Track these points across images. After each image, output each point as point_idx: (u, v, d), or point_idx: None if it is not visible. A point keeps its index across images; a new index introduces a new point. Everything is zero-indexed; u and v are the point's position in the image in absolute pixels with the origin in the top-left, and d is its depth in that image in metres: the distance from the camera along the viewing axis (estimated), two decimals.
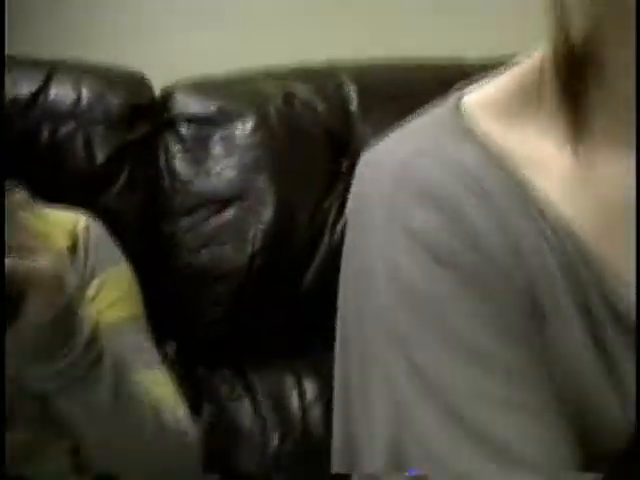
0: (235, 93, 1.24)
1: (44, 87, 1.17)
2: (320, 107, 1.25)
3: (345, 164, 1.25)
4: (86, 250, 0.99)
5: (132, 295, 1.02)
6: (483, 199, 0.60)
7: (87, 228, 1.00)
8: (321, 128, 1.24)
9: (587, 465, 0.60)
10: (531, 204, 0.60)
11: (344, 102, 1.27)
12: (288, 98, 1.24)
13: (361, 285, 0.63)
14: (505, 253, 0.59)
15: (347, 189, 1.18)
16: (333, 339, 1.17)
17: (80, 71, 1.21)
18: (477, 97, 0.64)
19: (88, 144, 1.16)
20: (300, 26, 1.43)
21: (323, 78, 1.28)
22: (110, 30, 1.36)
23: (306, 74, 1.28)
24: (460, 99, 0.64)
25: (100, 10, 1.38)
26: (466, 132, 0.62)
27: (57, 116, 1.16)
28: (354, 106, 1.27)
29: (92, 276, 0.98)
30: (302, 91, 1.25)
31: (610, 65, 0.60)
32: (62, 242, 0.96)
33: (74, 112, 1.17)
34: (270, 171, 1.21)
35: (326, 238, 1.21)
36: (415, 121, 0.65)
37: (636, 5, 0.53)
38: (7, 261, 0.76)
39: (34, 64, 1.19)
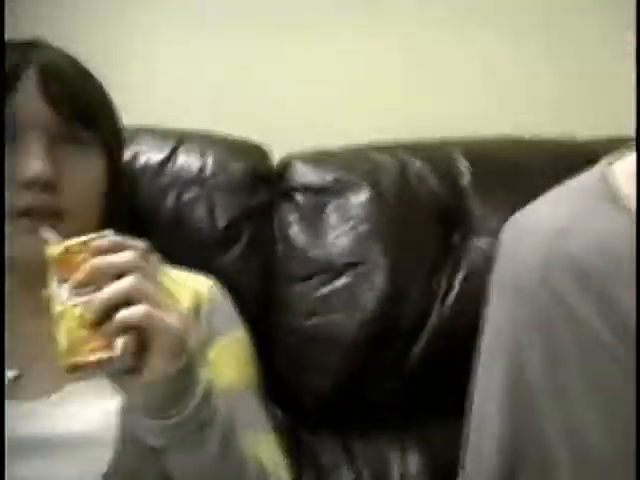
0: (351, 164, 1.28)
1: (172, 155, 1.23)
2: (432, 181, 1.28)
3: (456, 238, 1.26)
4: (209, 313, 1.01)
5: (248, 362, 1.05)
6: (630, 279, 0.59)
7: (212, 291, 1.04)
8: (434, 201, 1.27)
9: None
10: None
11: (456, 177, 1.29)
12: (402, 170, 1.27)
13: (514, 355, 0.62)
14: None
15: (457, 263, 1.23)
16: (439, 413, 1.18)
17: (206, 141, 1.26)
18: (624, 166, 0.65)
19: (211, 210, 1.21)
20: (414, 102, 1.47)
21: (436, 152, 1.31)
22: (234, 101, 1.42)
23: (419, 148, 1.31)
24: (607, 167, 0.65)
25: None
26: (616, 199, 0.62)
27: (183, 183, 1.22)
28: (465, 181, 1.29)
29: (212, 339, 1.00)
30: (415, 164, 1.28)
31: None
32: (187, 302, 0.99)
33: (199, 179, 1.22)
34: (383, 241, 1.23)
35: (436, 311, 1.22)
36: (563, 188, 0.66)
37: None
38: (144, 307, 0.78)
39: (164, 134, 1.25)
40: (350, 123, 1.42)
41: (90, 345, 0.78)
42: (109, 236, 0.82)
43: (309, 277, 1.23)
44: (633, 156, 0.65)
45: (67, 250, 0.81)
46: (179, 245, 1.18)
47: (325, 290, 1.22)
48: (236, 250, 1.22)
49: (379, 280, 1.22)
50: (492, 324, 0.65)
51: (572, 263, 0.60)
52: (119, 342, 0.77)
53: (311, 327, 1.22)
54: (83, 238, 0.82)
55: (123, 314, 0.78)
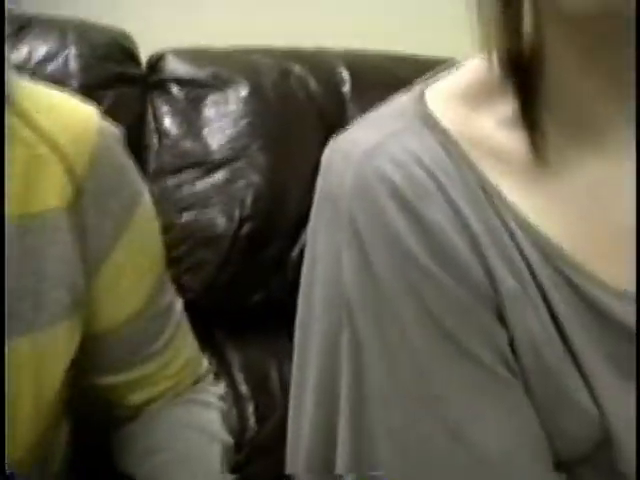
0: (229, 61, 1.22)
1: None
2: (313, 85, 1.24)
3: None
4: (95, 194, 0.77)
5: (155, 253, 0.87)
6: (441, 195, 0.60)
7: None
8: (314, 104, 1.22)
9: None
10: (489, 201, 0.60)
11: (337, 84, 1.26)
12: (282, 72, 1.22)
13: (328, 273, 0.61)
14: (464, 249, 0.59)
15: None
16: None
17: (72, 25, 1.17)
18: (439, 88, 0.65)
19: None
20: (293, 11, 1.42)
21: (317, 60, 1.27)
22: None
23: (300, 55, 1.27)
24: (423, 90, 0.64)
25: None
26: (428, 121, 0.62)
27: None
28: (346, 89, 1.26)
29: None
30: (296, 68, 1.24)
31: (557, 64, 0.61)
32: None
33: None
34: (263, 139, 1.17)
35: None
36: (380, 110, 0.66)
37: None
38: None
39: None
40: (228, 26, 1.36)
41: None
42: None
43: (182, 170, 1.15)
44: (448, 78, 0.66)
45: None
46: None
47: (200, 185, 1.15)
48: None
49: (257, 177, 1.16)
50: (311, 247, 0.63)
51: (384, 181, 0.60)
52: None
53: (185, 223, 1.14)
54: None
55: None
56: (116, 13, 1.25)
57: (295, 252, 1.15)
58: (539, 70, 0.62)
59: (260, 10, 1.39)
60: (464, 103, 0.63)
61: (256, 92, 1.19)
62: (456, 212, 0.59)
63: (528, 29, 0.61)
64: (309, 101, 1.22)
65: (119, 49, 1.18)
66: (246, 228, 1.14)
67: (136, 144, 1.16)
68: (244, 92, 1.18)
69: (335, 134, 1.20)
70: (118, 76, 1.16)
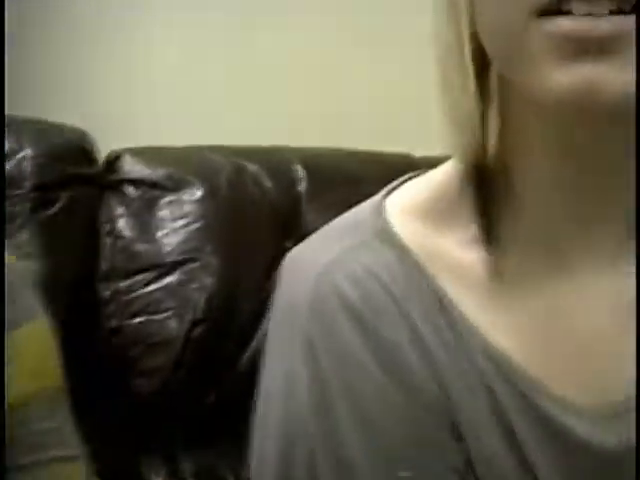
0: (184, 161, 1.23)
1: None
2: (268, 184, 1.25)
3: (289, 244, 1.23)
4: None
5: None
6: (398, 311, 0.60)
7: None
8: (269, 205, 1.23)
9: None
10: (445, 316, 0.61)
11: (292, 182, 1.26)
12: (237, 171, 1.23)
13: (282, 389, 0.62)
14: (419, 367, 0.59)
15: None
16: None
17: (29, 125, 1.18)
18: (399, 201, 0.64)
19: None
20: (249, 110, 1.44)
21: (272, 157, 1.28)
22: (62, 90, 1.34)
23: (256, 152, 1.28)
24: (383, 201, 0.64)
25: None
26: (386, 236, 0.62)
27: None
28: (301, 187, 1.27)
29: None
30: (251, 167, 1.25)
31: (523, 178, 0.61)
32: None
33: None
34: (216, 241, 1.18)
35: (268, 316, 1.18)
36: (339, 222, 0.66)
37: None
38: None
39: None
40: (181, 125, 1.37)
41: None
42: None
43: (135, 273, 1.15)
44: (410, 190, 0.66)
45: None
46: None
47: (152, 287, 1.15)
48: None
49: (210, 280, 1.16)
50: (267, 363, 0.64)
51: (340, 298, 0.60)
52: None
53: (136, 327, 1.14)
54: None
55: None
56: (76, 111, 1.26)
57: (248, 353, 1.16)
58: (504, 184, 0.62)
59: (217, 109, 1.41)
60: (424, 218, 0.63)
61: (210, 193, 1.20)
62: (412, 329, 0.59)
63: (493, 141, 0.60)
64: (264, 201, 1.23)
65: (76, 149, 1.19)
66: (198, 331, 1.14)
67: (90, 245, 1.17)
68: (198, 193, 1.19)
69: (289, 234, 1.23)
70: (73, 176, 1.17)
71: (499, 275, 0.61)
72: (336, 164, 1.31)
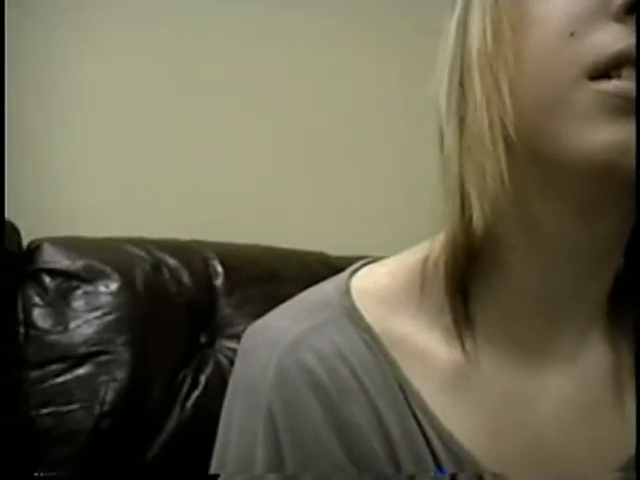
0: (103, 252, 1.24)
1: None
2: (186, 278, 1.27)
3: (203, 338, 1.25)
4: None
5: None
6: (363, 396, 0.60)
7: None
8: (185, 299, 1.25)
9: None
10: (406, 401, 0.61)
11: (209, 277, 1.29)
12: (155, 264, 1.25)
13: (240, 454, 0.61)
14: (382, 455, 0.59)
15: (202, 363, 1.21)
16: None
17: None
18: (366, 282, 0.66)
19: None
20: (170, 203, 1.47)
21: (190, 252, 1.31)
22: None
23: (174, 246, 1.30)
24: (349, 283, 0.65)
25: None
26: (352, 316, 0.63)
27: None
28: (219, 282, 1.29)
29: None
30: (169, 260, 1.27)
31: (501, 270, 0.62)
32: None
33: None
34: (129, 333, 1.19)
35: (177, 411, 1.19)
36: (304, 299, 0.66)
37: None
38: None
39: None
40: (104, 217, 1.39)
41: None
42: None
43: (46, 364, 1.16)
44: (374, 274, 0.67)
45: None
46: None
47: (62, 379, 1.16)
48: None
49: (121, 373, 1.17)
50: (223, 431, 0.64)
51: (306, 374, 0.61)
52: None
53: (45, 418, 1.14)
54: None
55: None
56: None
57: (154, 449, 1.16)
58: (489, 259, 0.62)
59: (140, 200, 1.44)
60: (387, 303, 0.64)
61: (126, 285, 1.21)
62: (377, 416, 0.60)
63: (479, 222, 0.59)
64: (180, 295, 1.25)
65: None
66: (105, 424, 1.15)
67: (3, 335, 1.17)
68: (114, 285, 1.21)
69: (204, 329, 1.24)
70: None
71: (472, 366, 0.62)
72: (254, 260, 1.34)
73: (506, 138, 0.58)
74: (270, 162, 1.55)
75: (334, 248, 1.39)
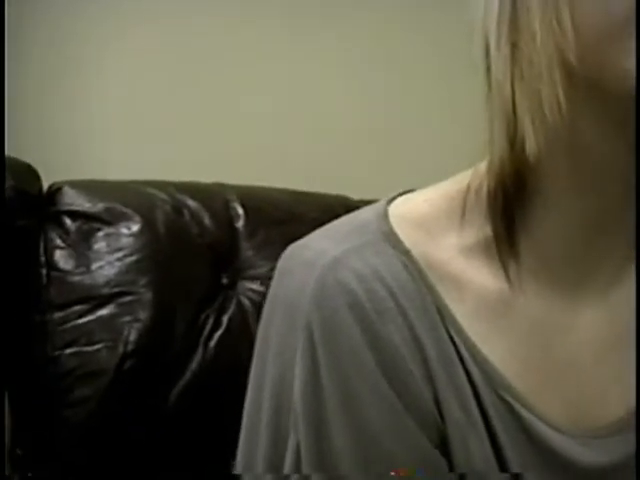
0: (123, 195, 1.24)
1: None
2: (206, 220, 1.27)
3: (225, 279, 1.25)
4: None
5: None
6: (400, 317, 0.61)
7: None
8: (206, 240, 1.25)
9: None
10: (443, 324, 0.62)
11: (231, 219, 1.28)
12: (176, 206, 1.25)
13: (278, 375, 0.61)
14: (417, 375, 0.60)
15: (224, 303, 1.21)
16: (195, 459, 1.13)
17: None
18: (402, 211, 0.65)
19: None
20: (191, 148, 1.46)
21: (211, 194, 1.30)
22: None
23: (195, 188, 1.30)
24: (387, 209, 0.65)
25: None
26: (391, 239, 0.63)
27: None
28: (240, 224, 1.29)
29: None
30: (190, 203, 1.27)
31: (546, 197, 0.62)
32: None
33: None
34: (151, 275, 1.19)
35: (200, 351, 1.19)
36: (342, 223, 0.67)
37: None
38: None
39: None
40: (125, 159, 1.39)
41: None
42: None
43: (69, 305, 1.16)
44: (413, 202, 0.67)
45: None
46: None
47: (86, 319, 1.16)
48: None
49: (143, 314, 1.18)
50: (261, 351, 0.64)
51: (345, 294, 0.60)
52: None
53: (69, 358, 1.15)
54: None
55: None
56: (19, 144, 1.27)
57: (177, 389, 1.17)
58: (534, 187, 0.61)
59: (160, 144, 1.43)
60: (426, 229, 0.64)
61: (148, 227, 1.21)
62: (414, 337, 0.60)
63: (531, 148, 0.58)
64: (201, 237, 1.25)
65: (18, 180, 1.20)
66: (128, 364, 1.15)
67: (26, 276, 1.18)
68: (135, 227, 1.21)
69: (226, 270, 1.24)
70: (14, 207, 1.18)
71: (512, 294, 0.62)
72: (274, 203, 1.33)
73: (565, 65, 0.56)
74: (291, 106, 1.54)
75: (356, 193, 1.38)
